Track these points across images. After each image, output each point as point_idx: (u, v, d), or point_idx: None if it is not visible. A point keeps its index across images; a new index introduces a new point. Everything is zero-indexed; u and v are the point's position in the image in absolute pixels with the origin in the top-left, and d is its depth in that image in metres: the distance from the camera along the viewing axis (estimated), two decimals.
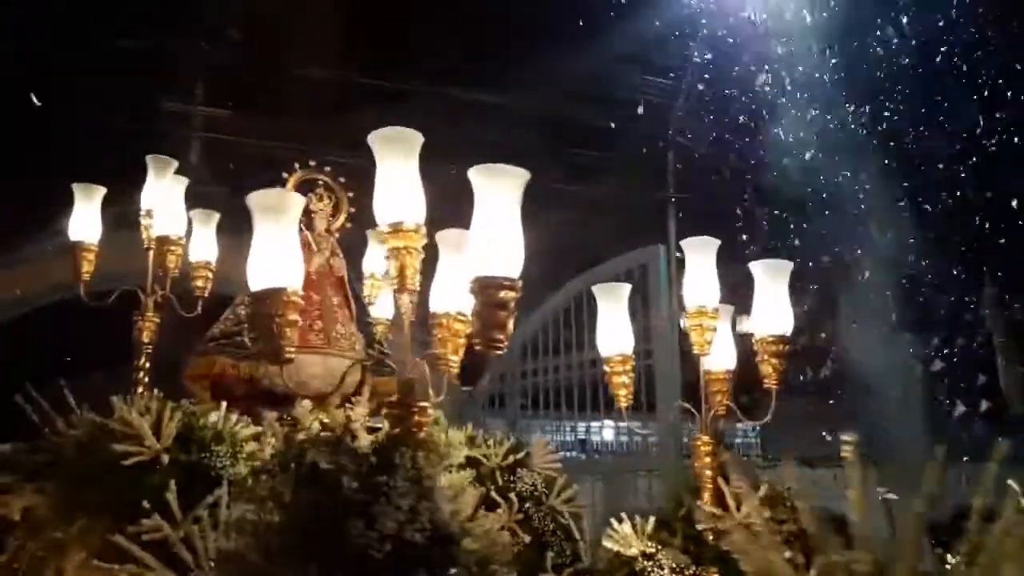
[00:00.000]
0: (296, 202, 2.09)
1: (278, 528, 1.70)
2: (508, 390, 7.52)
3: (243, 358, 3.50)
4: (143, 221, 3.69)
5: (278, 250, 2.04)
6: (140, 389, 3.51)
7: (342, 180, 4.00)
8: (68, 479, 2.61)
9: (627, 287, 3.01)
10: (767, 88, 7.46)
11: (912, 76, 7.19)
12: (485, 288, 1.85)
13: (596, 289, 3.02)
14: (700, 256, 3.00)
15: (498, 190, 1.90)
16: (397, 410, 2.01)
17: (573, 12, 7.61)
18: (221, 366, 3.46)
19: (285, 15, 7.04)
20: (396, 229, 2.09)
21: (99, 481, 2.53)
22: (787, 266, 2.80)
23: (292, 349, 3.52)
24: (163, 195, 3.51)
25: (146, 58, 6.42)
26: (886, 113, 7.39)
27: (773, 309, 2.77)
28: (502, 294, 1.84)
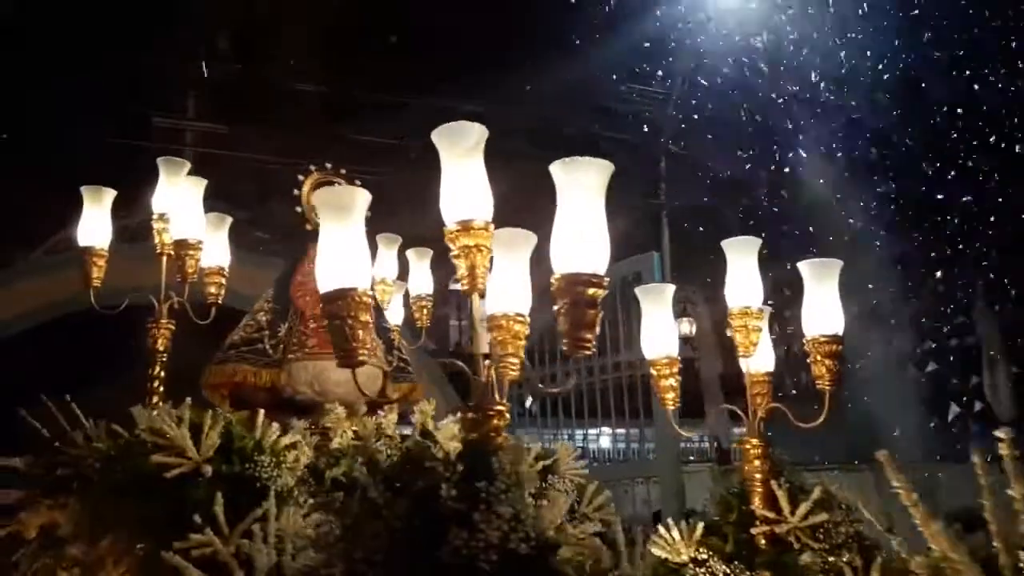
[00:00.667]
0: (363, 199, 2.00)
1: (369, 540, 1.61)
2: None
3: (265, 365, 3.38)
4: (156, 226, 3.57)
5: (346, 249, 1.96)
6: (155, 399, 3.39)
7: (358, 183, 3.91)
8: (101, 493, 2.48)
9: (671, 288, 2.95)
10: (765, 96, 7.52)
11: (899, 82, 7.29)
12: (572, 285, 1.78)
13: (639, 291, 2.96)
14: (741, 256, 2.95)
15: (580, 183, 1.84)
16: (473, 414, 1.92)
17: (570, 23, 7.62)
18: (242, 374, 3.35)
19: (276, 29, 6.93)
20: (466, 227, 2.01)
21: (136, 495, 2.41)
22: (836, 264, 2.77)
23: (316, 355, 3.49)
24: (180, 198, 3.39)
25: (137, 73, 6.27)
26: (876, 118, 7.47)
27: (823, 309, 2.73)
28: (590, 291, 1.77)
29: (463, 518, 1.56)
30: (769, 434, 2.96)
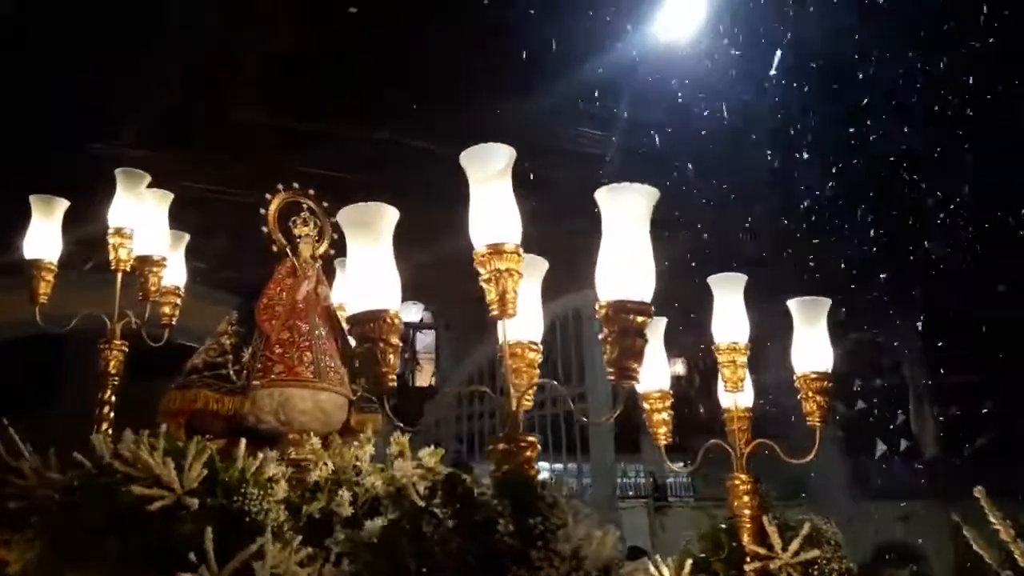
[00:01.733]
0: (391, 216, 1.91)
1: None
2: (444, 434, 7.33)
3: (228, 392, 3.19)
4: (111, 240, 3.35)
5: (376, 269, 1.86)
6: (105, 425, 3.16)
7: (325, 205, 3.78)
8: (68, 528, 2.26)
9: (663, 321, 2.95)
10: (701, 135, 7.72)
11: (838, 120, 7.60)
12: (619, 313, 1.74)
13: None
14: (727, 292, 2.98)
15: (626, 210, 1.81)
16: (504, 445, 1.84)
17: (514, 63, 7.67)
18: (204, 400, 3.14)
19: (223, 59, 6.72)
20: (497, 250, 1.95)
21: (111, 530, 2.21)
22: (825, 303, 2.82)
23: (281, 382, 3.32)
24: (143, 211, 3.19)
25: (76, 98, 5.95)
26: (811, 155, 7.76)
27: (813, 346, 2.77)
28: (639, 319, 1.73)
29: (519, 556, 1.48)
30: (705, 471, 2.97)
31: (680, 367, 8.45)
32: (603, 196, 1.82)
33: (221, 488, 2.27)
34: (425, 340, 9.50)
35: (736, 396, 3.05)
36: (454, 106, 7.23)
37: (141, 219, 3.18)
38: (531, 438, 1.86)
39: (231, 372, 3.23)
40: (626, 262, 1.76)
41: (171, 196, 3.23)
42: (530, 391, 2.12)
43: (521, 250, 2.00)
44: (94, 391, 3.25)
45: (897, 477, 7.98)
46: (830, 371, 2.76)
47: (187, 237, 3.58)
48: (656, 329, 2.95)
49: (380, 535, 1.59)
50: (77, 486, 2.37)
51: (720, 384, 3.03)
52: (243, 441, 2.49)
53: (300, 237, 3.63)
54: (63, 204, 3.31)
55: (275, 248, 3.59)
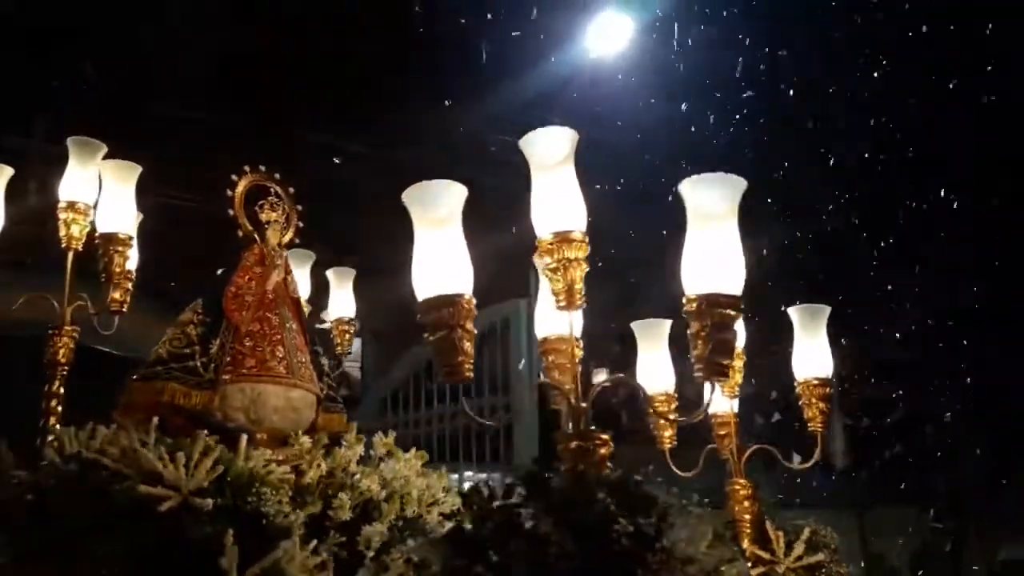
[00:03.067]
0: (461, 194, 1.79)
1: None
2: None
3: (196, 386, 2.93)
4: (63, 216, 3.04)
5: (448, 250, 1.73)
6: (52, 420, 2.85)
7: (291, 191, 3.56)
8: (42, 532, 1.99)
9: (667, 323, 2.92)
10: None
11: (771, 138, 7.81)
12: (712, 307, 1.68)
13: (636, 326, 2.90)
14: None
15: (714, 200, 1.75)
16: (577, 443, 1.75)
17: (449, 70, 7.56)
18: (171, 393, 2.86)
19: (152, 56, 6.31)
20: (564, 239, 1.86)
21: (97, 534, 1.96)
22: (824, 310, 2.86)
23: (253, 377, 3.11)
24: (109, 185, 2.90)
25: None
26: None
27: (813, 353, 2.80)
28: (731, 313, 1.68)
29: (635, 558, 1.40)
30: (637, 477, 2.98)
31: (604, 375, 8.51)
32: (689, 187, 1.76)
33: (230, 487, 2.06)
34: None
35: (724, 402, 3.07)
36: (377, 111, 7.08)
37: (108, 194, 2.89)
38: (604, 435, 1.77)
39: (199, 364, 2.97)
40: (716, 255, 1.71)
41: (139, 169, 2.95)
42: (574, 386, 2.02)
43: (587, 239, 1.91)
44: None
45: (811, 487, 8.31)
46: (830, 377, 2.81)
47: (140, 216, 3.30)
48: (661, 331, 2.92)
49: (454, 538, 1.47)
50: (55, 485, 2.10)
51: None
52: (243, 437, 2.28)
53: (268, 223, 3.39)
54: (7, 171, 2.99)
55: (240, 233, 3.34)
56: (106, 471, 2.13)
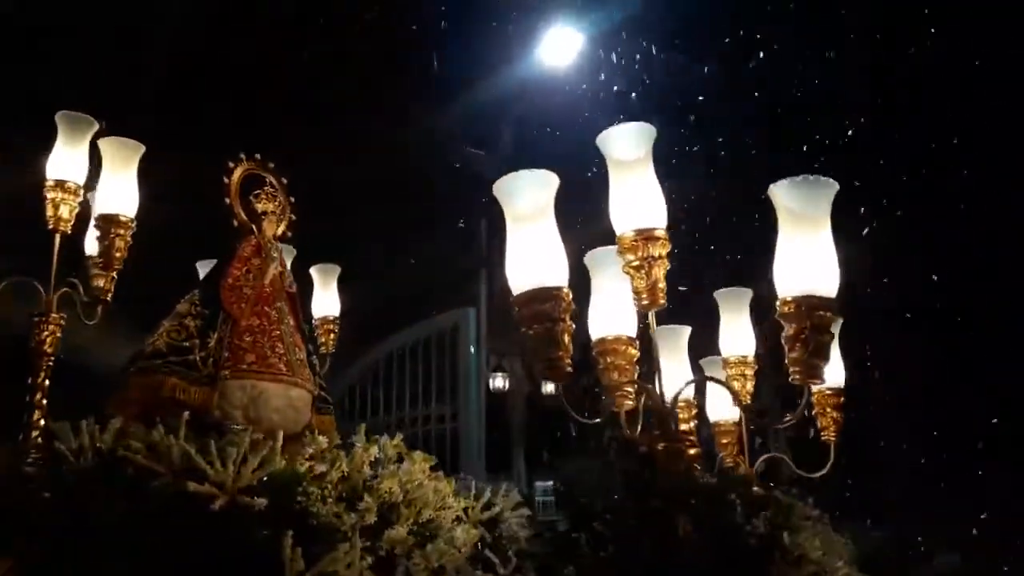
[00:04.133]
0: (554, 184, 1.74)
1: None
2: None
3: (195, 381, 2.76)
4: (50, 195, 2.83)
5: (544, 242, 1.68)
6: (37, 415, 2.64)
7: (284, 181, 3.42)
8: (92, 535, 1.83)
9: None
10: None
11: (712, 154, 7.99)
12: (812, 309, 1.68)
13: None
14: (733, 307, 3.02)
15: (808, 203, 1.76)
16: (666, 444, 1.72)
17: (400, 81, 7.49)
18: (171, 388, 2.69)
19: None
20: (647, 236, 1.83)
21: (127, 536, 1.81)
22: (837, 321, 2.91)
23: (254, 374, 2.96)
24: (113, 164, 2.71)
25: None
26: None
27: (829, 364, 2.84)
28: (829, 315, 1.69)
29: (764, 558, 1.38)
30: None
31: (553, 386, 8.47)
32: (782, 190, 1.76)
33: (274, 487, 1.93)
34: None
35: (724, 411, 3.10)
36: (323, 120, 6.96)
37: (109, 174, 2.70)
38: (692, 437, 1.75)
39: (198, 359, 2.81)
40: (811, 257, 1.71)
41: (141, 148, 2.77)
42: (628, 389, 1.99)
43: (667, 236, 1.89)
44: None
45: None
46: (843, 386, 2.86)
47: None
48: (680, 338, 2.92)
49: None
50: (78, 481, 1.93)
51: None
52: (280, 432, 2.15)
53: (264, 214, 3.24)
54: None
55: (236, 223, 3.18)
56: (132, 467, 1.97)
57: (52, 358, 2.70)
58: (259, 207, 3.23)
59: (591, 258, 2.13)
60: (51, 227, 2.80)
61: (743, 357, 2.96)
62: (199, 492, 1.82)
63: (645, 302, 1.82)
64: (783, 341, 1.71)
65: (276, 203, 3.29)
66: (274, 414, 2.88)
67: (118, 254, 2.66)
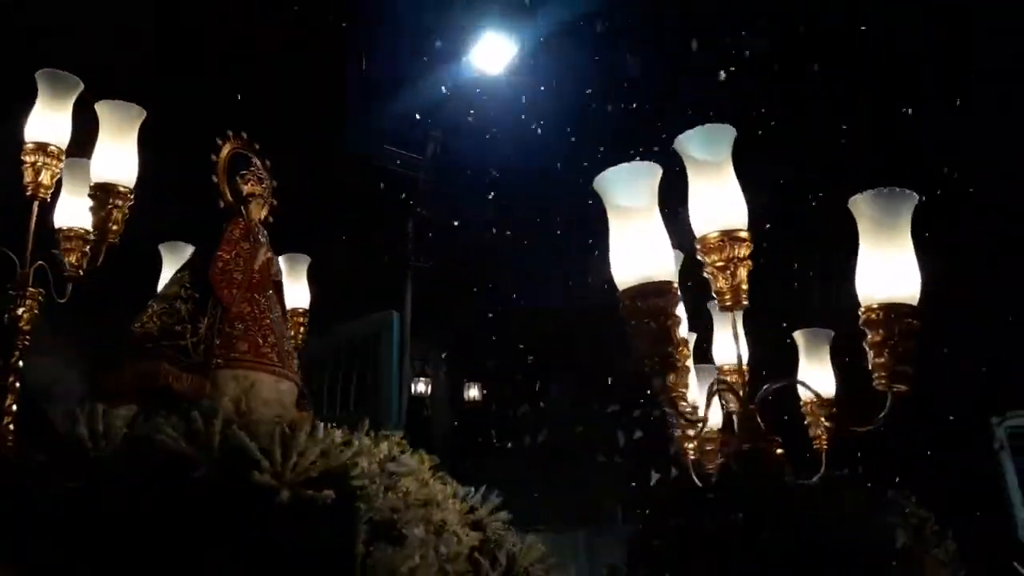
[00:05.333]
0: (658, 174, 1.73)
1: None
2: None
3: (187, 368, 2.58)
4: (29, 159, 2.58)
5: (652, 233, 1.67)
6: (10, 400, 2.39)
7: (268, 163, 3.25)
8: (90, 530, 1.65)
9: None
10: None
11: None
12: (896, 316, 1.73)
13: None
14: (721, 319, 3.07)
15: (890, 213, 1.83)
16: (752, 446, 1.74)
17: (322, 83, 7.34)
18: (165, 375, 2.50)
19: None
20: (730, 237, 1.85)
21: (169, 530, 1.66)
22: (828, 334, 3.01)
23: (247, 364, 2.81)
24: (110, 131, 2.49)
25: None
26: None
27: (817, 375, 2.94)
28: (914, 321, 1.75)
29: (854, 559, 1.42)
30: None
31: (475, 391, 8.42)
32: (864, 202, 1.81)
33: (324, 479, 1.81)
34: None
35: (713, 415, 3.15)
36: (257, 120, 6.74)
37: (106, 139, 2.48)
38: (774, 436, 1.77)
39: (189, 344, 2.62)
40: (894, 265, 1.77)
41: (143, 113, 2.56)
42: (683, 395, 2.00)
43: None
44: None
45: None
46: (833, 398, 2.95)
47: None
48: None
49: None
50: (107, 469, 1.76)
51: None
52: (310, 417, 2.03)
53: (251, 196, 3.07)
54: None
55: (222, 204, 3.00)
56: (166, 455, 1.81)
57: (28, 337, 2.45)
58: (246, 189, 3.06)
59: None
60: (29, 194, 2.55)
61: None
62: (261, 484, 1.68)
63: (728, 303, 1.82)
64: (867, 347, 1.76)
65: (263, 186, 3.13)
66: (264, 407, 2.72)
67: (115, 227, 2.44)
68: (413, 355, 7.37)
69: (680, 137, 1.91)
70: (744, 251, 1.85)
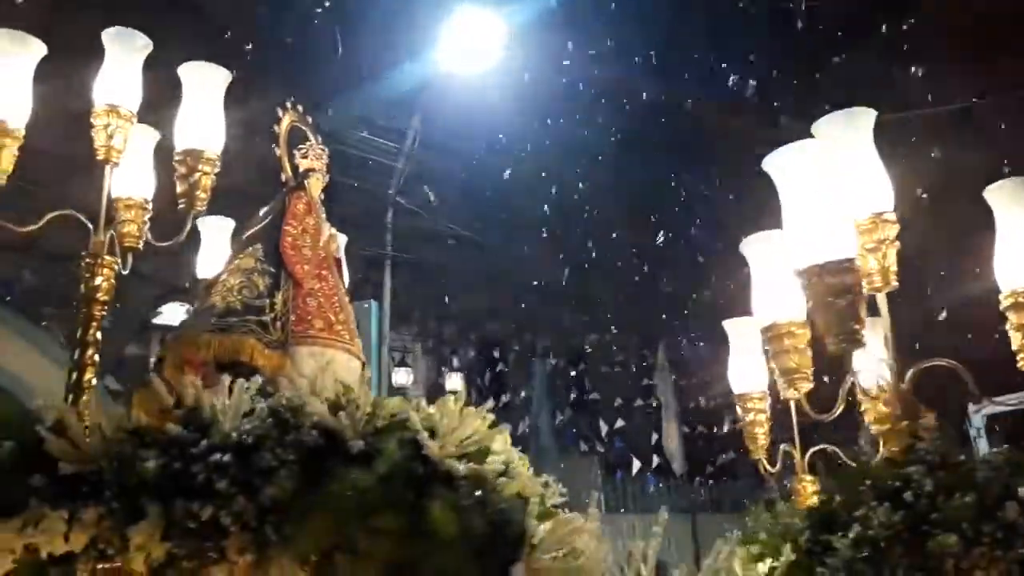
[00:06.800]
0: (831, 151, 1.76)
1: None
2: None
3: (268, 344, 2.48)
4: (99, 121, 2.44)
5: (832, 210, 1.69)
6: (89, 375, 2.26)
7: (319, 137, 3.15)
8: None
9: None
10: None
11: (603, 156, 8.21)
12: None
13: (727, 324, 2.95)
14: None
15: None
16: (902, 427, 1.78)
17: (306, 66, 7.19)
18: (250, 351, 2.39)
19: None
20: (880, 219, 1.90)
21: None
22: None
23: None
24: (196, 94, 2.38)
25: None
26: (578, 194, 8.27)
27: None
28: None
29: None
30: None
31: (456, 381, 8.33)
32: (1001, 191, 1.88)
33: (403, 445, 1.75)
34: None
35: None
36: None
37: (192, 103, 2.36)
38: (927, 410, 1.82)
39: (269, 320, 2.53)
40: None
41: (228, 75, 2.45)
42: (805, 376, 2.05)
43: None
44: None
45: (649, 492, 8.75)
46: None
47: (157, 136, 2.77)
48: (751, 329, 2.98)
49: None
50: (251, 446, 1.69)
51: None
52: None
53: (311, 171, 2.98)
54: (40, 47, 2.34)
55: (284, 178, 2.90)
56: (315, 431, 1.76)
57: (106, 305, 2.32)
58: (305, 163, 2.97)
59: (752, 247, 2.15)
60: (101, 158, 2.41)
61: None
62: (431, 455, 1.64)
63: (878, 284, 1.86)
64: (1010, 330, 1.82)
65: (321, 161, 3.03)
66: (338, 386, 2.65)
67: (203, 195, 2.33)
68: (393, 346, 7.27)
69: (819, 122, 1.94)
70: (892, 232, 1.89)
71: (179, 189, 2.33)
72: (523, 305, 8.09)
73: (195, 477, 1.67)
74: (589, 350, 9.05)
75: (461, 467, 1.66)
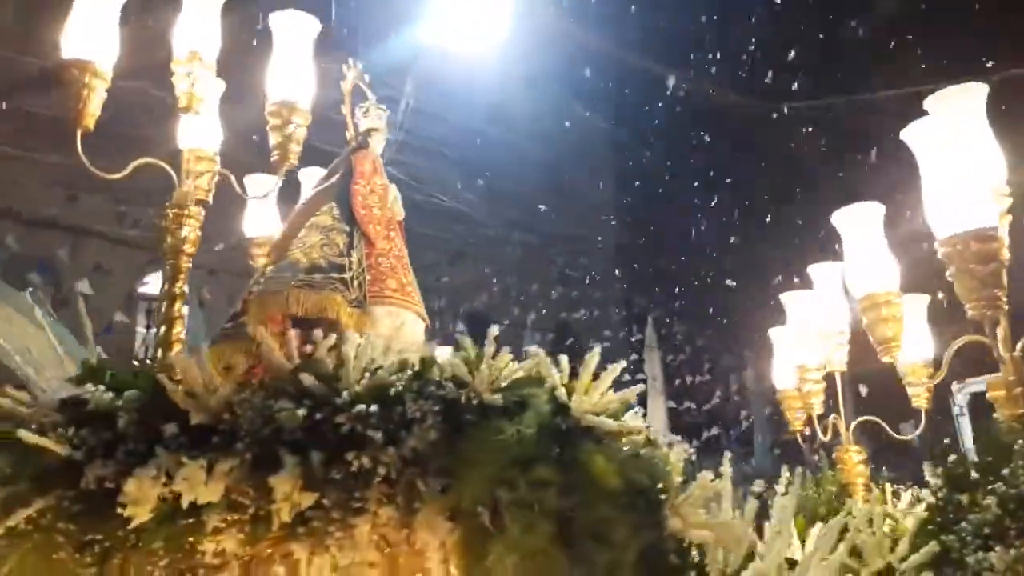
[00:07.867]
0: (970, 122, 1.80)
1: None
2: None
3: (350, 303, 2.44)
4: (179, 69, 2.36)
5: (971, 179, 1.74)
6: (178, 328, 2.21)
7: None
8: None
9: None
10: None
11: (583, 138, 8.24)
12: None
13: (784, 298, 3.01)
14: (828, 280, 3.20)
15: None
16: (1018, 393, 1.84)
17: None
18: (336, 308, 2.35)
19: None
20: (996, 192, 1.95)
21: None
22: None
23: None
24: (286, 47, 2.31)
25: None
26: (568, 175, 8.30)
27: None
28: None
29: None
30: None
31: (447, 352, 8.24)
32: None
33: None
34: None
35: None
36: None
37: (282, 55, 2.29)
38: None
39: (349, 278, 2.49)
40: None
41: (318, 26, 2.39)
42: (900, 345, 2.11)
43: None
44: None
45: None
46: None
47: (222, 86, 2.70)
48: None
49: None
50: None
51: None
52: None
53: (372, 131, 2.93)
54: None
55: (348, 137, 2.86)
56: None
57: (191, 259, 2.26)
58: (367, 123, 2.92)
59: (847, 219, 2.20)
60: (183, 106, 2.34)
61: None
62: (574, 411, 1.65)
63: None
64: None
65: (382, 121, 2.99)
66: (409, 347, 2.63)
67: (297, 147, 2.27)
68: None
69: (932, 97, 1.97)
70: (1006, 205, 1.94)
71: (272, 141, 2.26)
72: (512, 279, 8.10)
73: (339, 428, 1.65)
74: (577, 324, 9.12)
75: (609, 422, 1.66)
